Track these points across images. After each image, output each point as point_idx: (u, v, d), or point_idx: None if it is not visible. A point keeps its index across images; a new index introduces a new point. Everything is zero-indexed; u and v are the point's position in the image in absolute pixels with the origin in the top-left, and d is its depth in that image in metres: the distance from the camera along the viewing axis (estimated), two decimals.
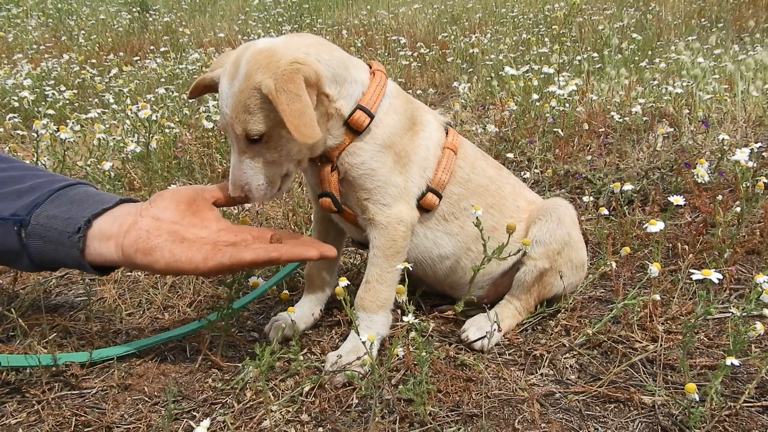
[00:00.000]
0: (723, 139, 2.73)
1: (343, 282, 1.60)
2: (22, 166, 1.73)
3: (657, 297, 1.82)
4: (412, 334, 1.52)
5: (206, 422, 1.15)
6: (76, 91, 5.29)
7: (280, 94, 1.47)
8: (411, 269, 1.68)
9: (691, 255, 2.08)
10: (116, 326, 1.93)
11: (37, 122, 3.12)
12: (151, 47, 8.03)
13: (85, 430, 1.50)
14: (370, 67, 1.75)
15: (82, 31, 9.27)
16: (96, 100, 5.16)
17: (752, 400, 1.54)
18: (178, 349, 1.82)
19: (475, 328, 1.80)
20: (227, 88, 1.54)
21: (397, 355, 1.60)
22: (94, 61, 7.05)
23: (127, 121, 3.71)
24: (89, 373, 1.71)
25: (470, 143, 1.94)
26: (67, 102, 4.76)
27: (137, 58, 7.39)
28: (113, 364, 1.71)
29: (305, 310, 1.90)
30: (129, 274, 2.31)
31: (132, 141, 3.19)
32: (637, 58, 5.58)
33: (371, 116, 1.65)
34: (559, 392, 1.60)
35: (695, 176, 2.23)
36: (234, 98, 1.52)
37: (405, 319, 1.52)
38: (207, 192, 1.68)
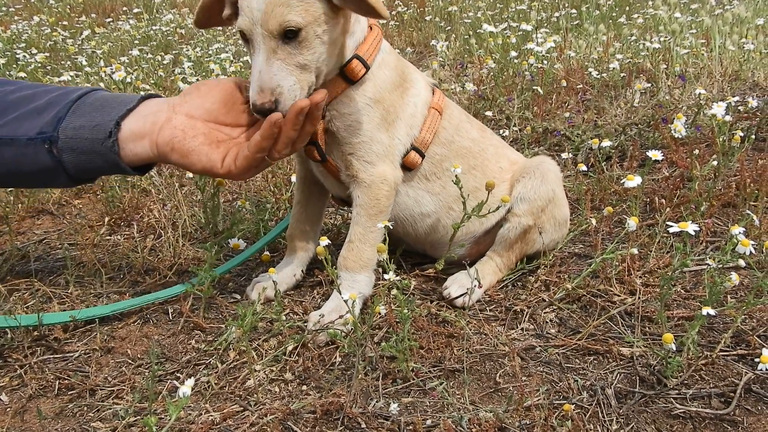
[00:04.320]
0: (700, 93, 2.75)
1: (324, 242, 1.60)
2: (29, 85, 1.69)
3: (635, 251, 1.84)
4: (394, 291, 1.53)
5: (190, 381, 1.16)
6: (48, 54, 5.18)
7: None
8: (391, 227, 1.68)
9: (668, 209, 2.10)
10: (97, 290, 1.92)
11: None
12: (124, 8, 7.88)
13: (69, 393, 1.50)
14: None
15: None
16: (69, 62, 5.06)
17: (728, 349, 1.57)
18: (159, 311, 1.82)
19: (456, 285, 1.81)
20: None
21: (379, 313, 1.61)
22: (65, 23, 6.92)
23: (102, 84, 3.65)
24: (71, 336, 1.71)
25: (456, 106, 1.94)
26: (39, 65, 4.67)
27: (110, 19, 7.24)
28: (95, 327, 1.71)
29: (287, 271, 1.90)
30: (108, 237, 2.29)
31: None
32: (615, 14, 5.56)
33: (367, 67, 1.64)
34: (540, 346, 1.63)
35: (672, 131, 2.24)
36: None
37: (386, 277, 1.53)
38: (243, 86, 1.61)
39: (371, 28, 1.70)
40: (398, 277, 1.53)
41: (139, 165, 1.59)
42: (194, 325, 1.73)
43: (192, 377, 1.50)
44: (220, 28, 5.64)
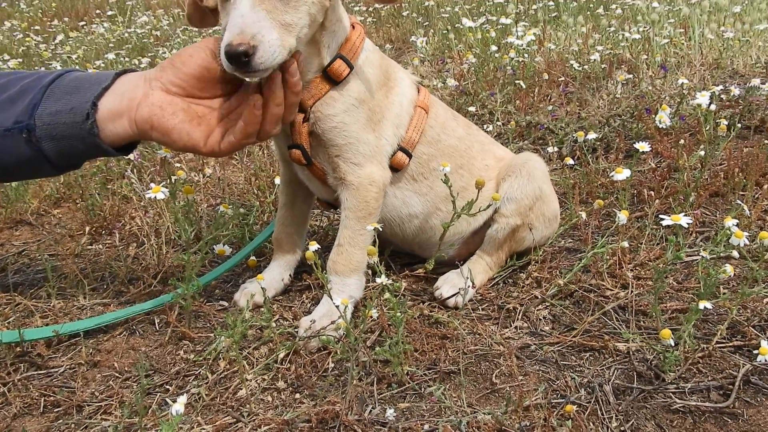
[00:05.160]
0: (682, 83, 2.74)
1: (313, 246, 1.56)
2: (1, 74, 1.64)
3: (625, 244, 1.83)
4: (386, 294, 1.50)
5: (183, 398, 1.12)
6: (21, 60, 5.10)
7: None
8: (380, 230, 1.65)
9: (656, 201, 2.09)
10: (80, 302, 1.88)
11: None
12: (97, 11, 7.77)
13: (55, 410, 1.46)
14: None
15: None
16: (42, 68, 4.97)
17: (724, 341, 1.56)
18: (146, 322, 1.78)
19: (448, 285, 1.78)
20: None
21: (372, 317, 1.58)
22: (38, 27, 6.82)
23: None
24: (55, 351, 1.67)
25: (441, 103, 1.91)
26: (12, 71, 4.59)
27: (83, 23, 7.14)
28: (80, 341, 1.67)
29: (275, 276, 1.86)
30: (90, 247, 2.24)
31: None
32: (592, 5, 5.56)
33: (351, 67, 1.61)
34: (535, 344, 1.61)
35: (657, 121, 2.23)
36: None
37: (378, 280, 1.50)
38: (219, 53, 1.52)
39: (353, 27, 1.67)
40: (389, 280, 1.50)
41: (121, 145, 1.53)
42: (182, 335, 1.69)
43: (182, 389, 1.47)
44: (196, 30, 5.57)
